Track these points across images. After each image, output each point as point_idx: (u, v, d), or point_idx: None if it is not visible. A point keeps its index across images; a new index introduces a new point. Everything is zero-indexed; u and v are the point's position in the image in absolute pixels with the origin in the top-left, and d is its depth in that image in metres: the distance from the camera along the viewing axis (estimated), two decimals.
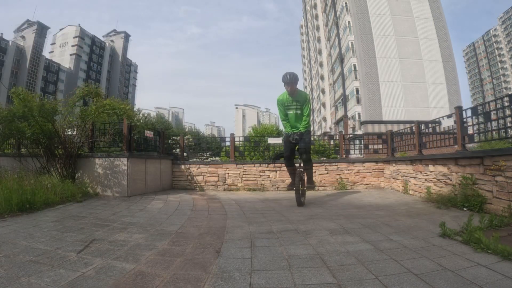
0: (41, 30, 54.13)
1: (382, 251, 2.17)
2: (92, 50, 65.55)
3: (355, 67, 27.64)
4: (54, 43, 64.11)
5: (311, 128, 4.83)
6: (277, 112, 4.74)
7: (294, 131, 4.48)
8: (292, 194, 6.17)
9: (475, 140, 4.55)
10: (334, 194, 6.06)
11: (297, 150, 4.57)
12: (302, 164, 4.63)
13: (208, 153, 10.13)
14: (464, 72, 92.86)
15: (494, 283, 1.56)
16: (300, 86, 4.55)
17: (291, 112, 4.51)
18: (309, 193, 5.38)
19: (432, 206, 4.20)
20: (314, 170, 7.25)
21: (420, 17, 27.55)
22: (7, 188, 3.80)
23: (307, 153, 4.47)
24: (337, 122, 34.56)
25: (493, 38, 76.39)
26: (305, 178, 4.72)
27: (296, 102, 4.44)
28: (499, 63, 74.74)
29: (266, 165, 7.22)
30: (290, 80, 4.27)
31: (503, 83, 73.36)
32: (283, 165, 7.22)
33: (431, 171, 5.09)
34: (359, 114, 27.29)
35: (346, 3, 29.52)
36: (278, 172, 7.18)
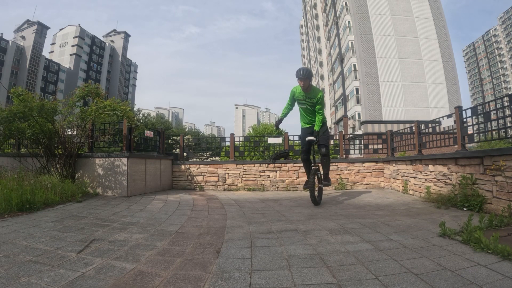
0: (41, 30, 54.13)
1: (382, 251, 2.17)
2: (92, 50, 65.53)
3: (355, 67, 27.64)
4: (54, 43, 64.11)
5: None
6: (277, 112, 4.75)
7: (306, 127, 4.59)
8: (292, 194, 6.18)
9: (475, 140, 4.55)
10: (334, 194, 6.06)
11: (316, 145, 4.57)
12: (320, 160, 4.61)
13: (208, 153, 10.14)
14: (464, 72, 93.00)
15: (494, 283, 1.56)
16: None
17: (303, 106, 4.53)
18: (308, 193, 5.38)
19: (432, 206, 4.20)
20: None
21: (420, 17, 27.56)
22: (7, 188, 3.80)
23: (326, 148, 4.47)
24: (337, 122, 34.56)
25: (493, 38, 76.40)
26: (321, 176, 4.68)
27: (308, 99, 4.41)
28: (499, 63, 74.75)
29: (266, 165, 7.22)
30: (303, 75, 4.24)
31: (503, 83, 73.38)
32: (283, 165, 7.24)
33: (431, 171, 5.09)
34: (359, 114, 27.29)
35: (346, 3, 29.50)
36: (278, 172, 7.18)
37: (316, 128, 4.39)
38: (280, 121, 4.72)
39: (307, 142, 4.47)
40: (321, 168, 4.65)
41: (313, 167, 4.44)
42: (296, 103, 4.59)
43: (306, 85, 4.30)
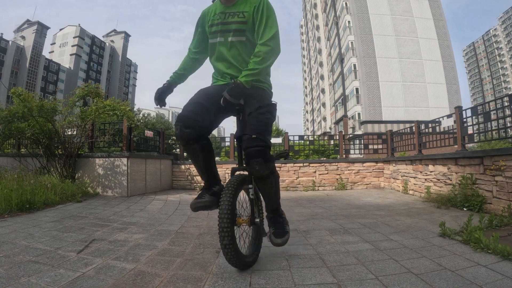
0: (41, 30, 54.14)
1: (382, 251, 2.17)
2: (92, 50, 65.52)
3: (355, 67, 27.63)
4: (54, 43, 64.11)
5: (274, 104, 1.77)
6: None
7: (218, 83, 1.91)
8: (292, 194, 6.16)
9: (475, 140, 4.56)
10: (334, 194, 6.06)
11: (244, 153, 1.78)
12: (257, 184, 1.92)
13: None
14: (464, 72, 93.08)
15: (493, 283, 1.56)
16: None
17: (221, 39, 1.84)
18: (309, 193, 5.35)
19: (432, 206, 4.20)
20: (313, 170, 7.30)
21: (420, 17, 27.55)
22: (7, 188, 3.80)
23: (264, 155, 1.69)
24: (337, 122, 34.56)
25: (493, 38, 76.41)
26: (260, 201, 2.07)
27: (232, 14, 1.80)
28: (499, 63, 74.75)
29: None
30: None
31: (503, 83, 73.39)
32: (283, 165, 7.20)
33: (431, 171, 5.09)
34: (359, 114, 27.29)
35: (346, 3, 29.50)
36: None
37: (243, 77, 1.67)
38: (168, 87, 2.00)
39: (197, 103, 1.79)
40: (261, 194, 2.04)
41: (236, 173, 1.88)
42: (208, 46, 1.96)
43: None
